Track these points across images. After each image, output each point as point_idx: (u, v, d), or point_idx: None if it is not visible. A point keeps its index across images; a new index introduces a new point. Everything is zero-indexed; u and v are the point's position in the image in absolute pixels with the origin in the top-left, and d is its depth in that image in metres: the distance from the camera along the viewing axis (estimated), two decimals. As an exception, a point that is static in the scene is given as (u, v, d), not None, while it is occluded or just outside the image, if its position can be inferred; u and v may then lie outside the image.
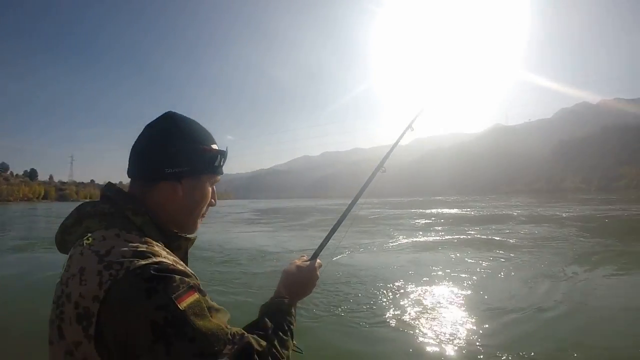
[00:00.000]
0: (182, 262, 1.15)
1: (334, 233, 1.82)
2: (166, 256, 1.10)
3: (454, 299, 8.37)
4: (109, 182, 1.34)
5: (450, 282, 9.80)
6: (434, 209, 49.71)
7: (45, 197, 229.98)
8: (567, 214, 33.89)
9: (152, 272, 0.99)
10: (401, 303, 8.16)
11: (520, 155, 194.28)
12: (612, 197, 65.65)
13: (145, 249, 1.05)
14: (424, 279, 10.21)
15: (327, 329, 6.79)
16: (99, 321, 0.96)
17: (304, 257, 1.64)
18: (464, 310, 7.62)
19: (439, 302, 8.17)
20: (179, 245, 1.29)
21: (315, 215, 44.61)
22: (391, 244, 17.28)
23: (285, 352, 1.21)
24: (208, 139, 1.34)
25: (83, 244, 1.10)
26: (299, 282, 1.52)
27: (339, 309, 7.73)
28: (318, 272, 1.59)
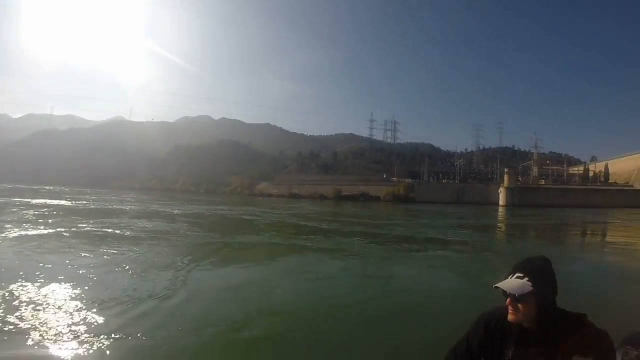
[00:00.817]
0: None
1: None
2: None
3: (75, 296, 7.66)
4: None
5: (69, 278, 8.92)
6: (41, 199, 45.66)
7: None
8: (179, 211, 36.24)
9: None
10: (14, 305, 6.99)
11: (138, 153, 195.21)
12: (218, 200, 73.15)
13: None
14: (38, 276, 9.05)
15: None
16: None
17: None
18: (86, 306, 7.01)
19: (59, 300, 7.32)
20: None
21: None
22: None
23: None
24: None
25: None
26: None
27: None
28: None
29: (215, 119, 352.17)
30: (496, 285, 2.27)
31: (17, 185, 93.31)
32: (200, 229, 21.57)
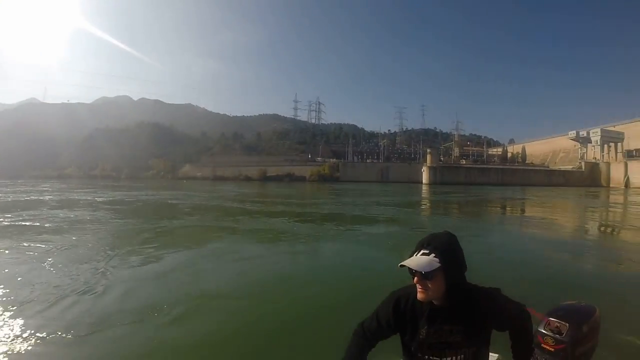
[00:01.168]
0: None
1: None
2: None
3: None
4: None
5: None
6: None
7: None
8: (101, 198, 34.98)
9: None
10: None
11: (53, 138, 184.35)
12: (141, 185, 70.97)
13: None
14: None
15: None
16: None
17: None
18: (2, 308, 6.55)
19: None
20: None
21: None
22: None
23: None
24: None
25: None
26: None
27: None
28: None
29: (135, 99, 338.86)
30: (402, 263, 2.19)
31: None
32: (124, 216, 21.02)
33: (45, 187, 61.11)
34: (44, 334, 5.55)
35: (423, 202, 40.61)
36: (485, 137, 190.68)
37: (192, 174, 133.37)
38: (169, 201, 33.85)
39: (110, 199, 35.25)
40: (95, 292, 7.56)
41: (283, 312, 6.79)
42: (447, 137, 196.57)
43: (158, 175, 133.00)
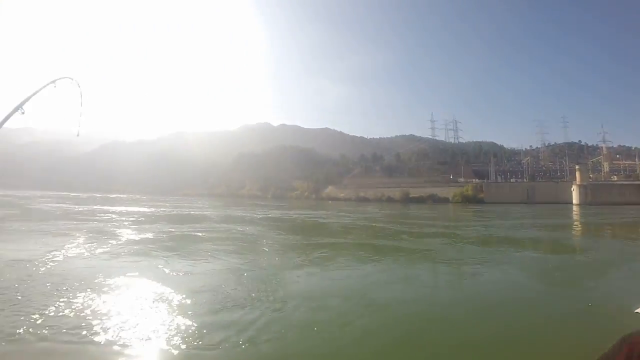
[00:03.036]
0: None
1: None
2: None
3: (192, 301, 7.97)
4: None
5: (182, 284, 9.38)
6: (127, 206, 48.07)
7: None
8: (259, 215, 36.78)
9: None
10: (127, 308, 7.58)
11: (203, 162, 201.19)
12: (286, 205, 74.10)
13: None
14: (147, 277, 9.92)
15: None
16: None
17: None
18: (202, 311, 7.33)
19: (176, 305, 7.68)
20: None
21: None
22: (113, 243, 16.12)
23: None
24: None
25: None
26: None
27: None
28: None
29: (275, 125, 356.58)
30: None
31: (93, 195, 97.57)
32: (286, 232, 22.39)
33: (199, 204, 66.24)
34: (235, 340, 6.05)
35: (577, 225, 36.37)
36: (635, 147, 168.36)
37: (335, 194, 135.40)
38: (320, 220, 35.10)
39: (267, 216, 36.90)
40: (272, 304, 7.92)
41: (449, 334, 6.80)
42: (593, 150, 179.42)
43: (302, 196, 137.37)
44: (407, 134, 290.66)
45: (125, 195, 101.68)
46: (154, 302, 7.74)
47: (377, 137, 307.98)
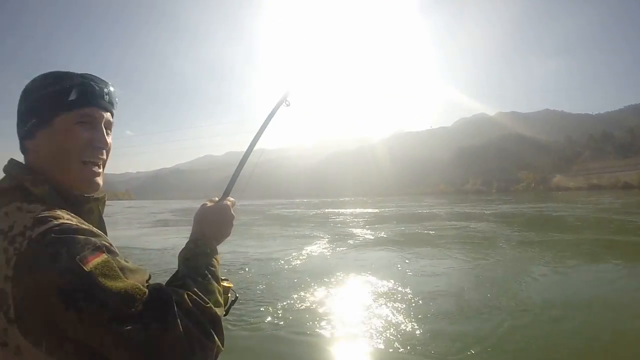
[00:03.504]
0: (89, 224, 1.03)
1: (242, 167, 1.57)
2: (69, 218, 0.99)
3: (443, 302, 7.90)
4: (11, 158, 1.15)
5: (427, 282, 9.60)
6: (355, 208, 50.20)
7: None
8: (488, 211, 35.70)
9: (53, 235, 0.89)
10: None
11: (423, 160, 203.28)
12: (512, 199, 70.35)
13: (46, 215, 0.95)
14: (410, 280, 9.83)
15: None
16: (15, 302, 0.88)
17: (214, 198, 1.42)
18: (457, 312, 7.23)
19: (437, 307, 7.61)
20: (90, 208, 1.16)
21: (239, 216, 43.02)
22: (350, 242, 16.89)
23: (211, 296, 1.08)
24: (58, 79, 1.11)
25: None
26: (211, 221, 1.33)
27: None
28: (232, 211, 1.39)
29: (491, 115, 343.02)
30: None
31: (323, 199, 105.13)
32: (517, 228, 20.98)
33: (427, 202, 66.35)
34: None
35: None
36: None
37: (564, 184, 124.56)
38: (552, 214, 32.16)
39: (495, 211, 36.06)
40: (522, 310, 7.35)
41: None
42: None
43: (528, 188, 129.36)
44: (638, 102, 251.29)
45: (351, 198, 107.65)
46: (386, 302, 7.82)
47: (603, 111, 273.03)
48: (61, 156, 1.08)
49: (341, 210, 45.85)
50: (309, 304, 7.83)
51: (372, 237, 18.52)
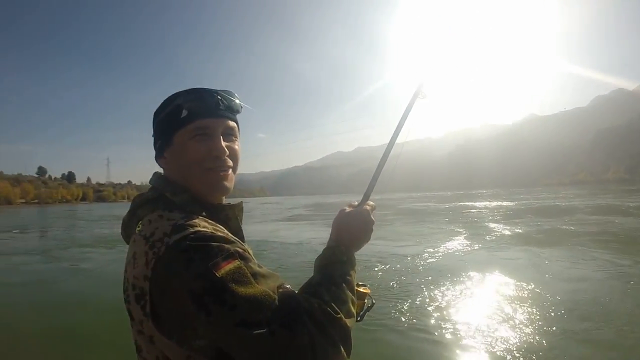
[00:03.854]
0: (225, 231, 1.16)
1: (381, 170, 1.58)
2: (205, 226, 1.09)
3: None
4: (155, 172, 1.35)
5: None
6: (489, 201, 49.37)
7: (83, 199, 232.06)
8: (633, 203, 33.72)
9: (188, 242, 0.99)
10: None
11: (558, 146, 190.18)
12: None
13: (183, 223, 1.06)
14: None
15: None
16: (152, 299, 1.00)
17: (354, 203, 1.44)
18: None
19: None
20: (227, 215, 1.27)
21: None
22: (486, 239, 16.69)
23: (343, 306, 1.09)
24: (170, 101, 1.26)
25: (135, 231, 1.16)
26: (351, 227, 1.33)
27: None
28: (372, 216, 1.39)
29: (631, 89, 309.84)
30: None
31: (455, 192, 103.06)
32: None
33: (564, 193, 62.89)
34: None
35: None
36: None
37: None
38: None
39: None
40: None
41: None
42: None
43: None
44: None
45: (484, 191, 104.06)
46: (520, 307, 7.37)
47: None
48: (187, 169, 1.21)
49: (475, 204, 45.26)
50: (438, 304, 7.71)
51: (509, 233, 18.15)
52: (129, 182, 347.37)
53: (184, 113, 1.20)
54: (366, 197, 1.45)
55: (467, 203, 47.50)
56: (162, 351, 1.04)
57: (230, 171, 1.26)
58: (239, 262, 1.00)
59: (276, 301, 0.99)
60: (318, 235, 19.28)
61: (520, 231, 18.68)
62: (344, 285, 1.15)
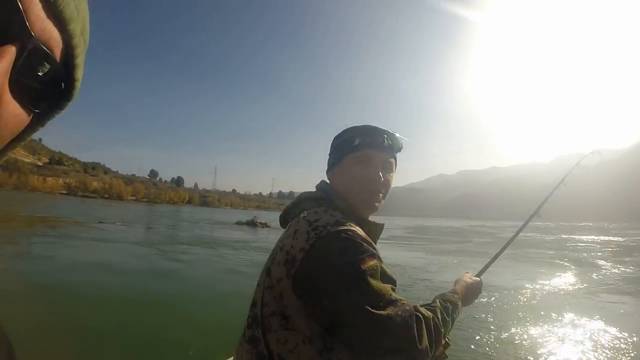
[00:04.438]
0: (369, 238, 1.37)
1: (500, 253, 2.17)
2: (360, 229, 1.36)
3: None
4: (322, 180, 1.66)
5: None
6: (596, 235, 47.17)
7: (189, 202, 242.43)
8: None
9: (346, 235, 1.25)
10: None
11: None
12: None
13: (344, 221, 1.33)
14: None
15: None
16: (299, 265, 1.23)
17: (469, 274, 1.91)
18: None
19: None
20: (369, 230, 1.49)
21: (472, 237, 42.72)
22: (593, 277, 15.43)
23: (443, 330, 1.37)
24: (347, 131, 1.58)
25: (300, 217, 1.41)
26: (470, 290, 1.77)
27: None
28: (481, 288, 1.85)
29: None
30: None
31: (559, 223, 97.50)
32: None
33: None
34: None
35: None
36: None
37: None
38: None
39: None
40: None
41: None
42: None
43: None
44: None
45: (590, 223, 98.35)
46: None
47: None
48: (348, 185, 1.51)
49: (580, 237, 43.44)
50: (520, 341, 7.26)
51: (617, 272, 16.95)
52: (234, 190, 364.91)
53: (356, 142, 1.52)
54: (482, 272, 2.02)
55: (572, 236, 45.63)
56: (285, 306, 1.25)
57: (380, 195, 1.53)
58: (376, 262, 1.26)
59: (392, 298, 1.23)
60: (418, 259, 19.59)
61: (630, 271, 17.27)
62: (450, 319, 1.45)
